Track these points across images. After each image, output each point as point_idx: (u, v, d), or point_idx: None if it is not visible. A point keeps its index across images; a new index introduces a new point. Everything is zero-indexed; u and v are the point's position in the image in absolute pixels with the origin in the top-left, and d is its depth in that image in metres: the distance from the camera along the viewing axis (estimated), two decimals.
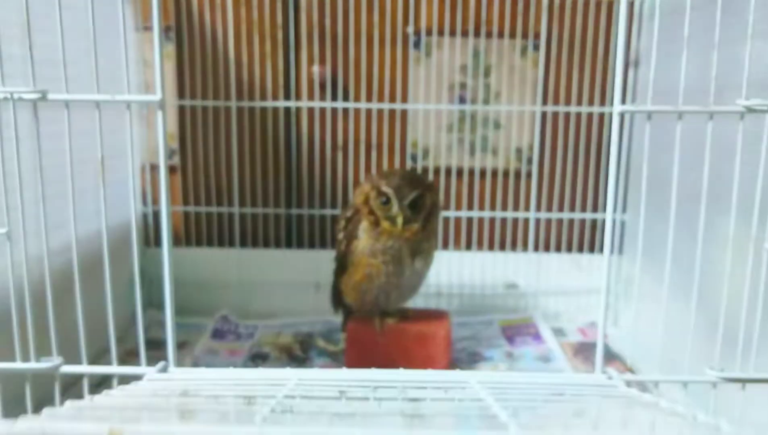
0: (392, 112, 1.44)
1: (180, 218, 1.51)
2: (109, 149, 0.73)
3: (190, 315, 1.46)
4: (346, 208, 1.17)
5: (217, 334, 1.37)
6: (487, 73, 1.46)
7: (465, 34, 1.42)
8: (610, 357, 1.28)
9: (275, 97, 1.43)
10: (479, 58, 1.45)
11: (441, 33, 1.41)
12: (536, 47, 1.45)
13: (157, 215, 1.46)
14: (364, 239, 1.10)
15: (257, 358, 1.25)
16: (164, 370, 0.70)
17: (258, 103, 1.42)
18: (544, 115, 1.44)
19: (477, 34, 1.42)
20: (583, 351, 1.31)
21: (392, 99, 1.43)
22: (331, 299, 1.23)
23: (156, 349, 1.31)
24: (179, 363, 1.19)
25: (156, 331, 1.38)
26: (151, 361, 1.26)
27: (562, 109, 1.43)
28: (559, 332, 1.40)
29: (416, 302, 1.30)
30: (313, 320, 1.41)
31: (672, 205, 0.80)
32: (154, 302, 1.45)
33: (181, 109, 1.45)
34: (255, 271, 1.47)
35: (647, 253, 1.38)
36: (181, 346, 1.32)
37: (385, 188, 1.06)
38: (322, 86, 1.44)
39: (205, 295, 1.47)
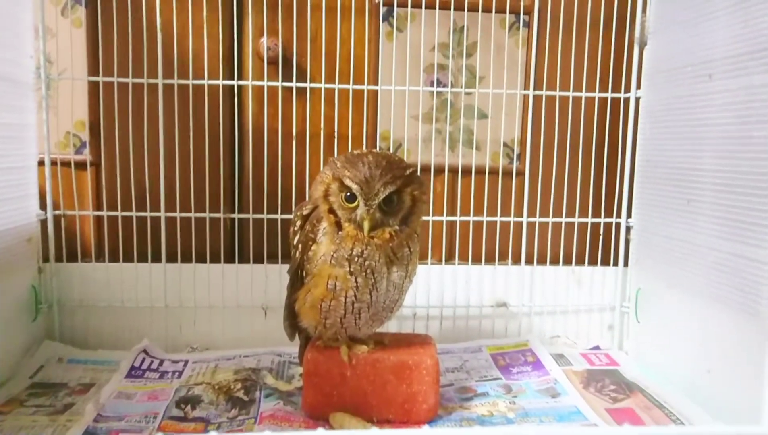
0: (358, 95, 1.20)
1: (91, 225, 1.20)
2: None
3: (101, 348, 1.19)
4: (302, 204, 0.92)
5: (135, 373, 1.07)
6: (469, 53, 1.25)
7: (444, 6, 1.20)
8: (628, 388, 1.05)
9: (214, 75, 1.17)
10: (460, 35, 1.24)
11: (416, 4, 1.19)
12: (526, 24, 1.24)
13: (58, 222, 1.16)
14: (325, 243, 0.86)
15: (185, 403, 0.96)
16: None
17: (192, 81, 1.15)
18: (536, 102, 1.22)
19: (458, 6, 1.21)
20: (594, 381, 1.08)
21: (358, 81, 1.19)
22: (285, 323, 0.97)
23: (52, 395, 1.00)
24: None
25: (54, 370, 1.09)
26: (41, 412, 0.95)
27: (559, 94, 1.21)
28: (560, 359, 1.17)
29: (388, 326, 1.05)
30: (259, 352, 1.17)
31: None
32: (54, 333, 1.16)
33: (94, 88, 1.17)
34: (186, 292, 1.20)
35: (663, 261, 1.19)
36: (85, 388, 1.02)
37: (349, 182, 0.81)
38: (273, 63, 1.18)
39: (121, 322, 1.20)
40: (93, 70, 1.16)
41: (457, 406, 0.97)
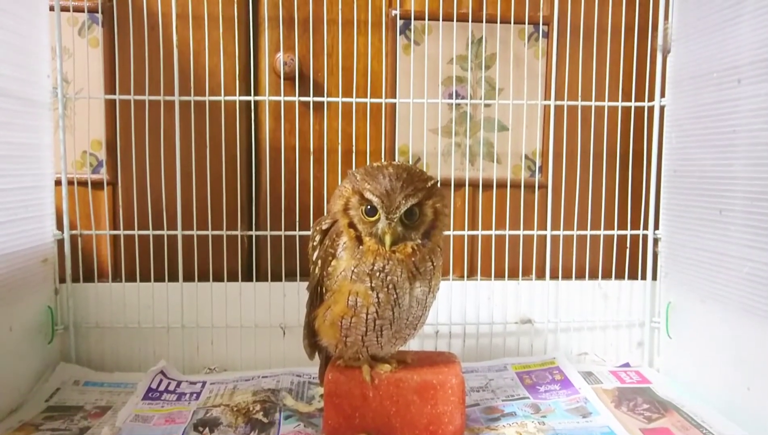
0: (375, 109, 1.19)
1: (108, 245, 1.19)
2: None
3: (118, 370, 1.17)
4: (321, 219, 0.90)
5: (152, 395, 1.05)
6: (488, 65, 1.23)
7: (462, 18, 1.18)
8: (662, 407, 1.01)
9: (230, 91, 1.16)
10: (478, 46, 1.22)
11: (433, 17, 1.17)
12: (545, 34, 1.22)
13: (75, 242, 1.15)
14: (345, 258, 0.84)
15: (203, 426, 0.93)
16: None
17: (208, 98, 1.14)
18: (557, 112, 1.19)
19: (476, 18, 1.19)
20: (626, 399, 1.04)
21: (375, 95, 1.17)
22: (304, 341, 0.94)
23: (67, 418, 0.98)
24: None
25: (70, 393, 1.07)
26: None
27: (580, 103, 1.19)
28: (589, 377, 1.13)
29: (410, 345, 1.02)
30: (278, 372, 1.15)
31: None
32: (70, 355, 1.14)
33: (110, 107, 1.17)
34: (203, 312, 1.18)
35: (694, 273, 1.14)
36: (101, 411, 1.00)
37: (369, 195, 0.79)
38: (289, 78, 1.17)
39: (138, 343, 1.18)
40: (109, 88, 1.15)
41: (483, 427, 0.93)
